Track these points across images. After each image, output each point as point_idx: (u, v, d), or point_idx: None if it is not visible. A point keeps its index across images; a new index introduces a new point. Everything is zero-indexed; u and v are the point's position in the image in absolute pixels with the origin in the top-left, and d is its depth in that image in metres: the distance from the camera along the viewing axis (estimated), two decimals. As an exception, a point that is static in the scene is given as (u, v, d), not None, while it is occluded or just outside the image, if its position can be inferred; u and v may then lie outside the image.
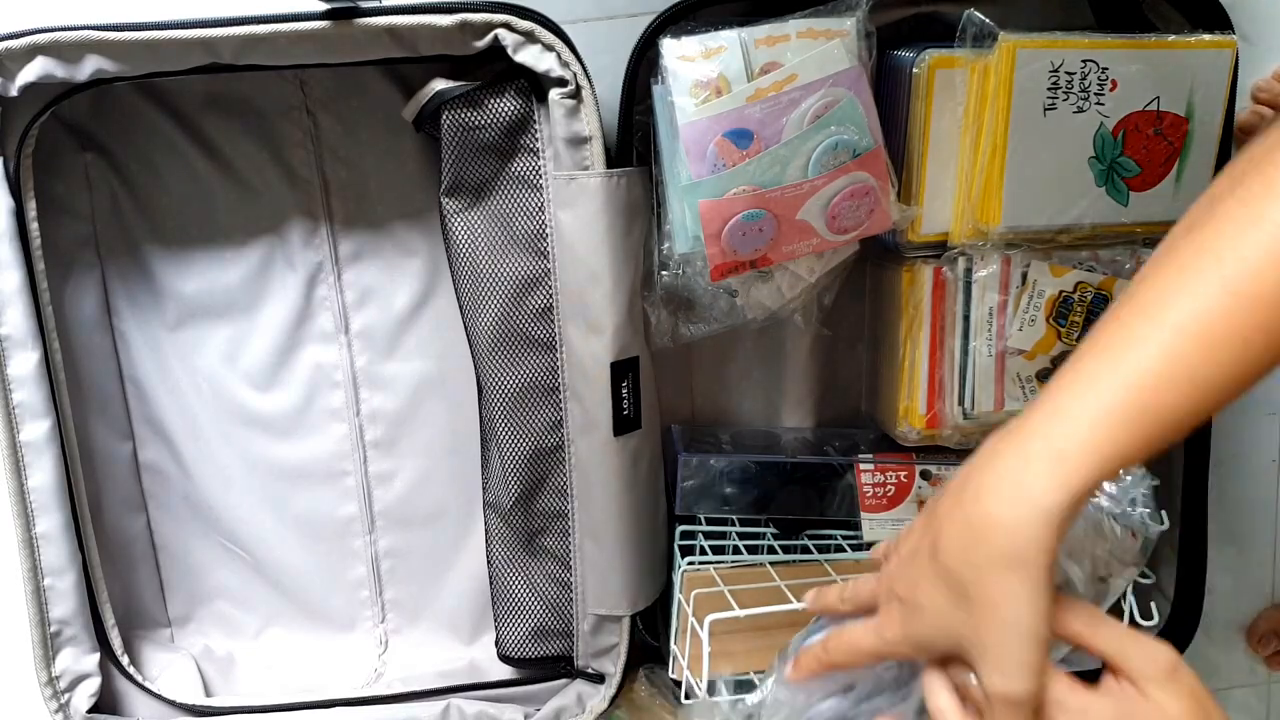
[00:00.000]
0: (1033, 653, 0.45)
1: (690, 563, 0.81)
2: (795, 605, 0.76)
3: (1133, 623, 0.86)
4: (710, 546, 0.84)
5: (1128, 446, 0.43)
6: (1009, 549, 0.44)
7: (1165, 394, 0.43)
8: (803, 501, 0.84)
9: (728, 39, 0.71)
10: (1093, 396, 0.44)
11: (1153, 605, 0.85)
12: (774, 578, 0.81)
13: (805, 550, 0.85)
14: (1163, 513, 0.70)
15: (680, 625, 0.81)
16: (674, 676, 0.84)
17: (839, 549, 0.85)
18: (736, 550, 0.85)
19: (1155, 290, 0.45)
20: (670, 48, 0.72)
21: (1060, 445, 0.44)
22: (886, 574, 0.53)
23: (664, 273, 0.78)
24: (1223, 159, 0.78)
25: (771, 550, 0.85)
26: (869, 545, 0.84)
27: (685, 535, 0.85)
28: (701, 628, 0.74)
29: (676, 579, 0.82)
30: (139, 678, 0.87)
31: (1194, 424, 0.44)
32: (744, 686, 0.82)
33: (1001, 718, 0.46)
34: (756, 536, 0.86)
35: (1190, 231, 0.45)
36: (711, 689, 0.79)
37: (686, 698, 0.81)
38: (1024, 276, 0.78)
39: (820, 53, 0.71)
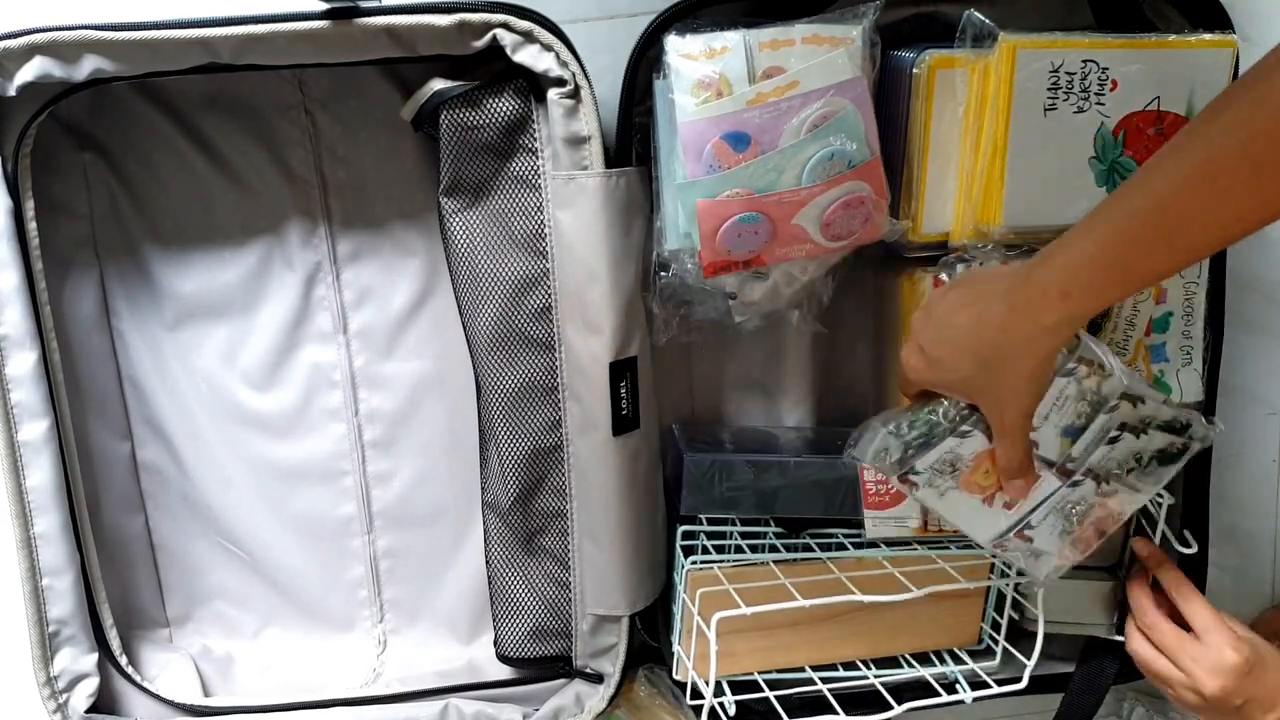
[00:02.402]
0: (1026, 402, 0.66)
1: (694, 562, 0.81)
2: (800, 603, 0.76)
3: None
4: (712, 546, 0.84)
5: (1111, 287, 0.60)
6: (1026, 348, 0.64)
7: (1137, 252, 0.58)
8: (807, 500, 0.84)
9: (732, 40, 0.71)
10: (1090, 246, 0.59)
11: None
12: (778, 576, 0.81)
13: (807, 549, 0.85)
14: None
15: (685, 625, 0.81)
16: (677, 677, 0.84)
17: (840, 547, 0.85)
18: (739, 549, 0.85)
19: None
20: (674, 44, 0.72)
21: (1063, 286, 0.61)
22: (915, 328, 0.70)
23: (663, 273, 0.78)
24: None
25: (774, 549, 0.85)
26: (871, 543, 0.84)
27: (687, 535, 0.85)
28: (708, 627, 0.74)
29: (680, 578, 0.82)
30: (137, 678, 0.87)
31: (1162, 274, 0.63)
32: (746, 687, 0.82)
33: (999, 444, 0.69)
34: (758, 535, 0.86)
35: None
36: (718, 690, 0.79)
37: (691, 698, 0.81)
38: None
39: (824, 61, 0.71)
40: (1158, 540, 0.85)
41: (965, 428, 0.70)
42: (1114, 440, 0.71)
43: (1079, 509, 0.74)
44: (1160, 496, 0.84)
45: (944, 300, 0.68)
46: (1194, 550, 0.85)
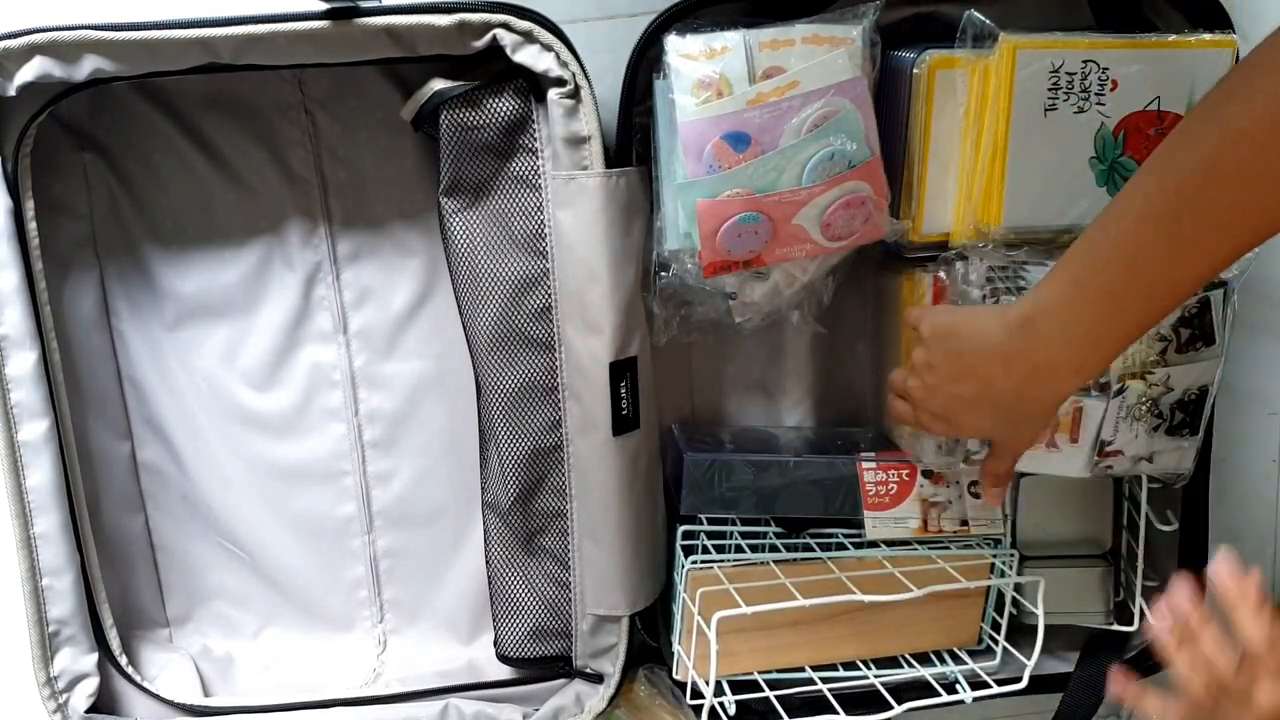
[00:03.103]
0: (1040, 435, 0.74)
1: (694, 562, 0.81)
2: (800, 602, 0.76)
3: (1144, 623, 0.86)
4: (713, 546, 0.84)
5: (1121, 346, 0.63)
6: (1045, 408, 0.67)
7: (1127, 304, 0.59)
8: (807, 500, 0.84)
9: (732, 40, 0.71)
10: (1088, 313, 0.60)
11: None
12: (778, 576, 0.81)
13: (807, 548, 0.85)
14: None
15: (685, 625, 0.81)
16: (677, 677, 0.84)
17: (840, 546, 0.85)
18: (739, 549, 0.85)
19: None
20: (675, 44, 0.72)
21: (1079, 365, 0.63)
22: (926, 404, 0.72)
23: (663, 273, 0.78)
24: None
25: (774, 549, 0.85)
26: (871, 543, 0.84)
27: (687, 535, 0.85)
28: (708, 626, 0.74)
29: (680, 578, 0.82)
30: (137, 678, 0.87)
31: (1163, 315, 0.63)
32: (746, 687, 0.82)
33: (998, 462, 0.75)
34: (758, 535, 0.86)
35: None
36: (718, 690, 0.79)
37: (691, 698, 0.81)
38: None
39: (824, 61, 0.71)
40: (1141, 521, 0.85)
41: None
42: None
43: (1144, 404, 0.76)
44: (1142, 478, 0.84)
45: (936, 372, 0.69)
46: (1174, 527, 0.85)
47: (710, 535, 0.85)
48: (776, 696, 0.80)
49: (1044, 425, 0.70)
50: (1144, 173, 0.57)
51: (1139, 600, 0.86)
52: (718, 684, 0.79)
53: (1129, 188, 0.58)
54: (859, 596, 0.78)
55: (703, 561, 0.82)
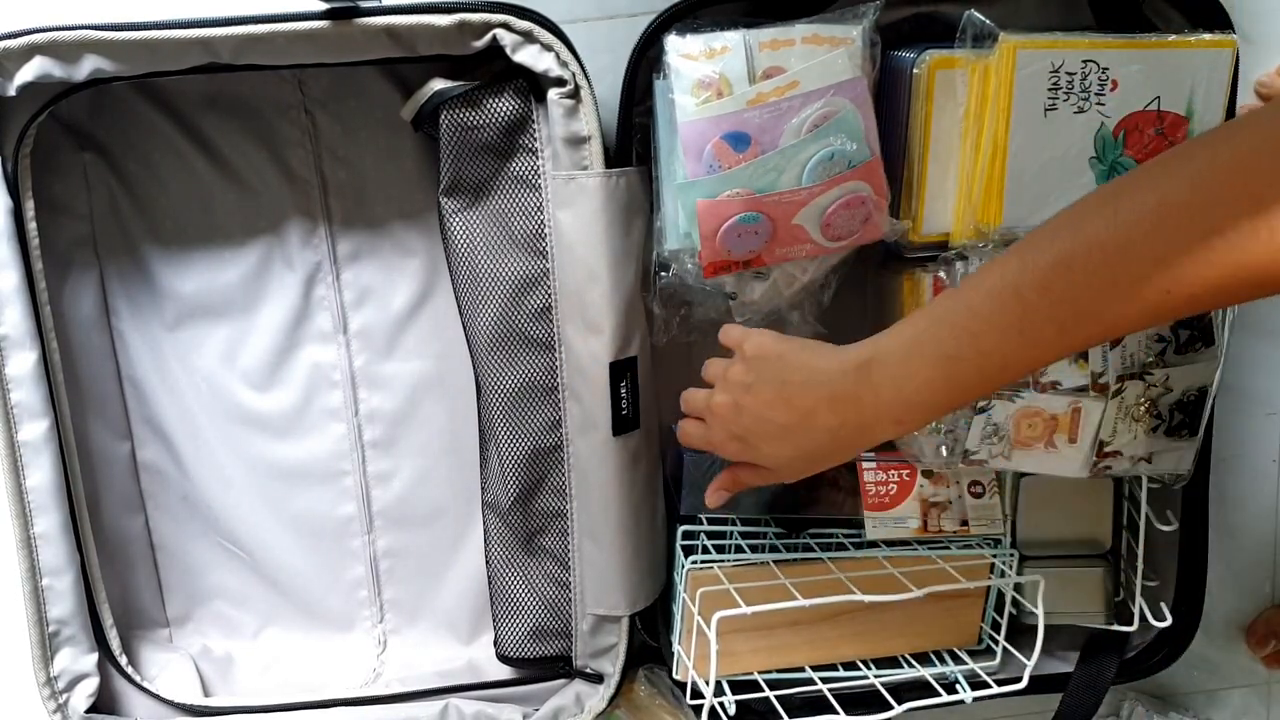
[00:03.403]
0: (794, 479, 0.71)
1: (694, 561, 0.81)
2: (800, 602, 0.76)
3: (1144, 622, 0.87)
4: (712, 546, 0.84)
5: (944, 409, 0.62)
6: (844, 452, 0.67)
7: (961, 372, 0.59)
8: (807, 501, 0.84)
9: (732, 40, 0.71)
10: (922, 370, 0.60)
11: (1163, 606, 0.86)
12: (778, 575, 0.81)
13: (807, 548, 0.85)
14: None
15: (685, 624, 0.81)
16: (677, 677, 0.84)
17: (840, 547, 0.85)
18: (739, 549, 0.85)
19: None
20: (675, 44, 0.72)
21: (900, 416, 0.63)
22: (727, 420, 0.70)
23: (663, 273, 0.78)
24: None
25: (774, 549, 0.85)
26: (870, 544, 0.84)
27: (687, 535, 0.85)
28: (709, 626, 0.74)
29: (680, 578, 0.82)
30: (137, 678, 0.87)
31: (993, 390, 0.68)
32: (746, 688, 0.82)
33: (743, 476, 0.73)
34: (758, 535, 0.86)
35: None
36: (718, 690, 0.79)
37: (691, 698, 0.81)
38: None
39: (823, 61, 0.71)
40: (1141, 521, 0.85)
41: (981, 403, 0.74)
42: (1117, 341, 0.73)
43: (1143, 405, 0.76)
44: (1142, 478, 0.84)
45: (753, 394, 0.68)
46: (1174, 527, 0.85)
47: (710, 535, 0.85)
48: (776, 697, 0.80)
49: (835, 464, 0.69)
50: (1011, 252, 0.57)
51: (1139, 600, 0.86)
52: (718, 684, 0.79)
53: (993, 262, 0.58)
54: (859, 596, 0.78)
55: (703, 561, 0.82)
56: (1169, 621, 0.85)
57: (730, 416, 0.69)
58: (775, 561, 0.83)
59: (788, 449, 0.68)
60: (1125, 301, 0.52)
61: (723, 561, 0.82)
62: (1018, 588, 0.86)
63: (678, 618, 0.83)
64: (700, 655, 0.79)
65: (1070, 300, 0.54)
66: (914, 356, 0.61)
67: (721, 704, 0.79)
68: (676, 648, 0.83)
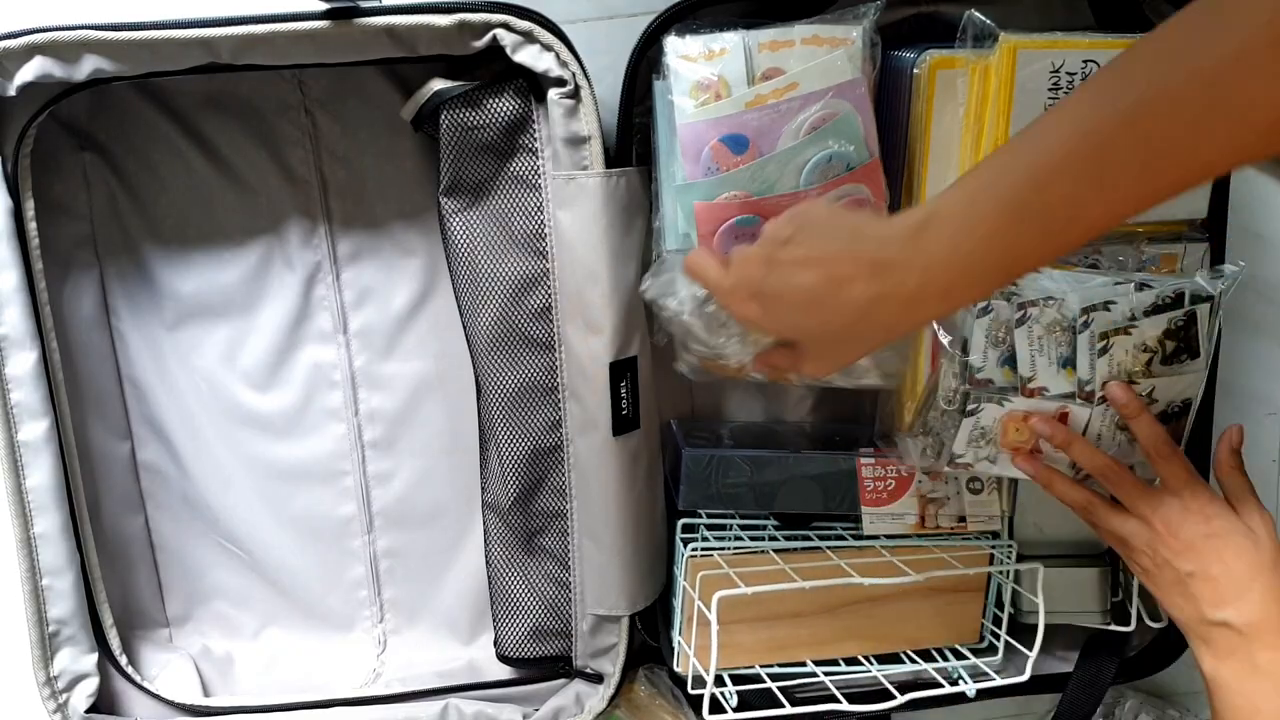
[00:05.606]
0: (830, 368, 0.67)
1: (694, 549, 0.82)
2: (800, 584, 0.76)
3: (1141, 624, 0.87)
4: (713, 537, 0.84)
5: (995, 283, 0.61)
6: (887, 333, 0.62)
7: (1022, 244, 0.55)
8: (806, 496, 0.84)
9: (731, 41, 0.71)
10: (971, 239, 0.55)
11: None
12: (778, 561, 0.81)
13: (806, 539, 0.85)
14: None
15: (685, 614, 0.81)
16: (678, 670, 0.84)
17: (839, 538, 0.85)
18: (739, 539, 0.85)
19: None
20: (674, 46, 0.72)
21: (948, 288, 0.57)
22: (751, 275, 0.64)
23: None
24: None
25: (774, 539, 0.85)
26: (870, 538, 0.84)
27: (686, 529, 0.85)
28: (710, 609, 0.74)
29: (680, 568, 0.82)
30: (137, 678, 0.87)
31: (1048, 260, 0.63)
32: (747, 682, 0.82)
33: (782, 360, 0.70)
34: (758, 529, 0.86)
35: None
36: (719, 681, 0.78)
37: (693, 688, 0.81)
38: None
39: (823, 63, 0.71)
40: None
41: (970, 406, 0.74)
42: (1105, 350, 0.72)
43: None
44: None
45: (788, 248, 0.62)
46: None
47: (710, 529, 0.85)
48: (778, 688, 0.80)
49: (866, 351, 0.63)
50: (1078, 98, 0.52)
51: (1136, 600, 0.86)
52: (718, 676, 0.79)
53: (1059, 109, 0.53)
54: (858, 579, 0.78)
55: (703, 550, 0.82)
56: (1165, 622, 0.86)
57: (756, 270, 0.63)
58: (775, 551, 0.83)
59: (810, 321, 0.62)
60: (1224, 134, 0.47)
61: (723, 549, 0.82)
62: (1017, 579, 0.86)
63: (678, 610, 0.83)
64: (701, 645, 0.79)
65: (1158, 137, 0.49)
66: (978, 205, 0.55)
67: (723, 693, 0.79)
68: (677, 640, 0.83)
